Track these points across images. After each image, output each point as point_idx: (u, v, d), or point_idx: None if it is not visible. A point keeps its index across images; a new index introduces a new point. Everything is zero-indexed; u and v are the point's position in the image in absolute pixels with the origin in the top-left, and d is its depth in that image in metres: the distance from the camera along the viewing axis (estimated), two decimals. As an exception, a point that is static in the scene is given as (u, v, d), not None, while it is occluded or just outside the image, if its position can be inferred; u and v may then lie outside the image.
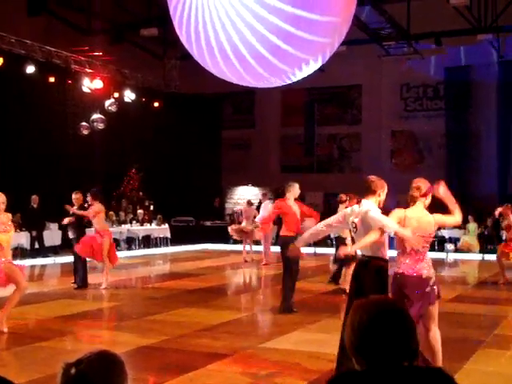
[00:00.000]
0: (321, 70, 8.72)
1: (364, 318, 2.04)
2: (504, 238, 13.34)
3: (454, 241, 19.05)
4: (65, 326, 9.07)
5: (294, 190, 10.24)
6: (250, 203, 19.37)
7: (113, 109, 20.10)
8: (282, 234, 9.96)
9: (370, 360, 2.02)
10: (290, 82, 8.31)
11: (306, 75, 8.13)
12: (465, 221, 15.71)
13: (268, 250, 17.22)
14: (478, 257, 18.94)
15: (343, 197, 12.21)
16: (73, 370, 2.00)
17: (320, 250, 21.32)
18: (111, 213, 20.48)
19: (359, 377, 2.02)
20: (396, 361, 2.01)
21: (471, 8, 19.17)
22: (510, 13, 19.29)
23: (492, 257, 18.54)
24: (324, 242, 22.69)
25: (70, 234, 12.94)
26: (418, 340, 2.06)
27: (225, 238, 23.09)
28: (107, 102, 20.05)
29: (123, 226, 20.51)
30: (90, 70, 19.89)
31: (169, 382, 6.19)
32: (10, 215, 8.65)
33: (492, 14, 19.37)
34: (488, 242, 20.37)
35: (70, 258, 17.58)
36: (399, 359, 2.01)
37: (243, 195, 27.79)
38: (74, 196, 12.56)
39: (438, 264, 16.96)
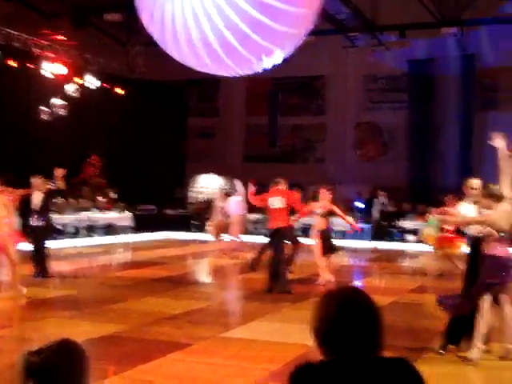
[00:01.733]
0: (286, 59, 8.69)
1: (331, 308, 2.01)
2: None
3: (415, 232, 19.20)
4: (22, 314, 8.92)
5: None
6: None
7: (75, 94, 19.78)
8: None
9: (336, 351, 2.00)
10: (255, 71, 8.29)
11: (271, 65, 8.10)
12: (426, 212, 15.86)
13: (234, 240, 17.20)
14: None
15: (324, 190, 12.19)
16: (34, 359, 1.99)
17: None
18: (71, 200, 20.22)
19: (325, 367, 1.99)
20: (362, 351, 1.99)
21: (435, 1, 19.35)
22: (474, 7, 19.53)
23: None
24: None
25: None
26: (384, 331, 2.04)
27: (187, 227, 23.01)
28: (69, 88, 19.73)
29: (84, 213, 20.25)
30: (52, 55, 19.51)
31: (129, 371, 6.12)
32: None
33: (456, 7, 19.56)
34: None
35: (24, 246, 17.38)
36: (365, 349, 1.99)
37: (206, 184, 27.69)
38: None
39: (398, 255, 17.20)
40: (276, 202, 11.26)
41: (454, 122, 23.71)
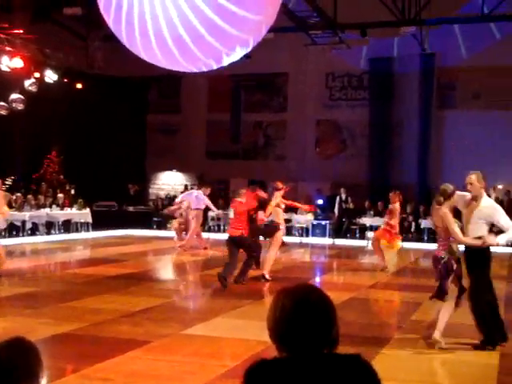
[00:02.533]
0: (247, 56, 8.68)
1: (286, 305, 2.02)
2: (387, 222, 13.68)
3: (375, 228, 19.39)
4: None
5: None
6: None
7: (33, 89, 19.45)
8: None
9: (291, 347, 2.01)
10: (216, 67, 8.27)
11: (233, 60, 8.08)
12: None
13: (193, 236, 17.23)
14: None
15: (280, 185, 12.28)
16: None
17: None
18: (30, 196, 19.93)
19: (279, 364, 2.00)
20: (317, 348, 2.00)
21: (396, 0, 19.53)
22: (433, 6, 19.75)
23: (411, 245, 19.13)
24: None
25: None
26: (339, 327, 2.05)
27: (148, 224, 22.88)
28: (27, 82, 19.40)
29: (42, 209, 19.97)
30: (10, 48, 19.14)
31: (86, 370, 6.06)
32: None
33: (416, 7, 19.77)
34: (407, 230, 20.92)
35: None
36: (320, 346, 2.00)
37: (167, 181, 27.57)
38: None
39: (358, 252, 17.36)
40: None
41: (413, 120, 24.02)
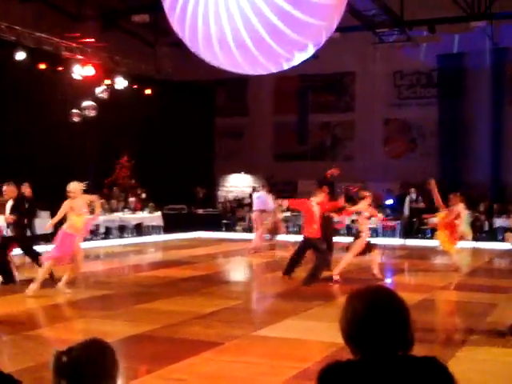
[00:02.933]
0: (314, 56, 8.67)
1: (359, 307, 2.01)
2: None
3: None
4: (55, 314, 9.03)
5: None
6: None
7: (104, 96, 19.94)
8: None
9: (364, 349, 1.99)
10: (284, 68, 8.28)
11: (303, 59, 8.08)
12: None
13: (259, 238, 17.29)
14: (470, 244, 18.93)
15: (364, 193, 12.40)
16: (64, 358, 2.01)
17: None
18: (103, 201, 20.40)
19: (353, 366, 1.99)
20: (391, 350, 1.98)
21: (464, -5, 19.12)
22: (503, 0, 19.25)
23: (485, 244, 18.66)
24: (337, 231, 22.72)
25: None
26: (414, 329, 2.03)
27: (217, 226, 23.09)
28: (98, 89, 19.89)
29: (115, 214, 20.44)
30: (81, 57, 19.72)
31: (161, 370, 6.16)
32: (86, 197, 10.70)
33: (485, 1, 19.31)
34: (480, 229, 20.43)
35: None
36: (394, 349, 1.98)
37: (236, 183, 27.77)
38: (4, 188, 11.70)
39: (429, 252, 17.02)
40: None
41: (485, 117, 23.43)
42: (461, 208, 12.93)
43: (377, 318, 1.97)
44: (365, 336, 1.98)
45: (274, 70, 8.06)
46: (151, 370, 6.25)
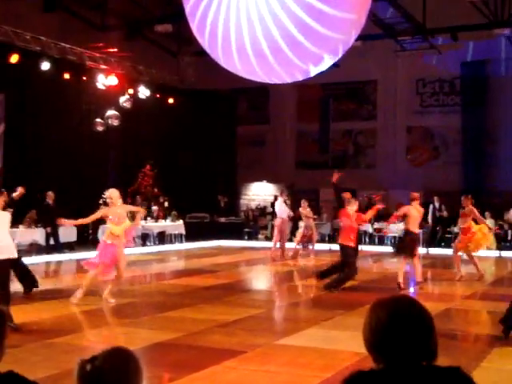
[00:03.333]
0: (336, 65, 8.67)
1: (382, 316, 2.01)
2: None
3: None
4: (80, 322, 9.09)
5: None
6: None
7: (127, 105, 20.09)
8: None
9: (388, 358, 1.99)
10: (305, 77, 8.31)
11: (320, 71, 8.10)
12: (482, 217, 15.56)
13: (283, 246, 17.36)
14: (495, 253, 18.77)
15: (415, 194, 12.47)
16: (88, 367, 2.01)
17: (335, 247, 21.27)
18: (144, 212, 20.54)
19: (376, 376, 1.99)
20: (414, 360, 1.98)
21: (488, 2, 19.00)
22: (528, 6, 19.11)
23: (510, 254, 18.48)
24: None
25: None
26: (437, 339, 2.02)
27: (239, 235, 23.12)
28: (122, 99, 20.05)
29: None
30: (105, 67, 19.91)
31: (183, 379, 6.18)
32: (127, 207, 10.78)
33: (509, 8, 19.19)
34: (504, 239, 20.25)
35: (86, 255, 17.74)
36: (418, 358, 1.98)
37: (258, 192, 27.79)
38: None
39: (453, 261, 16.84)
40: None
41: (509, 126, 23.23)
42: (470, 209, 13.16)
43: (400, 326, 1.97)
44: (388, 345, 1.98)
45: (288, 80, 8.10)
46: (173, 379, 6.28)
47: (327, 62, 7.69)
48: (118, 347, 2.11)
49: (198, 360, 6.88)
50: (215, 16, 6.90)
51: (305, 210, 17.56)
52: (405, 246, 12.23)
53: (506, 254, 18.49)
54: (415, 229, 12.16)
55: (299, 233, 17.69)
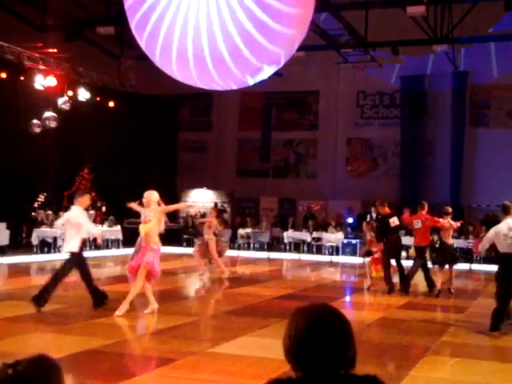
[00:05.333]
0: (279, 74, 8.70)
1: (301, 325, 1.98)
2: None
3: (406, 248, 19.17)
4: (8, 328, 8.82)
5: None
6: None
7: (66, 107, 19.72)
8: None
9: (306, 367, 1.97)
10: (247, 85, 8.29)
11: (258, 81, 8.10)
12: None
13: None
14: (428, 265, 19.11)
15: (449, 209, 13.34)
16: (10, 371, 1.98)
17: (273, 255, 21.36)
18: (62, 213, 20.09)
19: (294, 384, 1.96)
20: (332, 369, 1.95)
21: (428, 18, 19.42)
22: (465, 25, 19.61)
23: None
24: (278, 247, 22.82)
25: None
26: (355, 348, 2.00)
27: (178, 241, 22.93)
28: (60, 100, 19.68)
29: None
30: (44, 67, 19.50)
31: (113, 387, 6.04)
32: (159, 209, 10.28)
33: (448, 25, 19.65)
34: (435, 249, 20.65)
35: (18, 259, 17.28)
36: (336, 367, 1.96)
37: (198, 198, 27.64)
38: None
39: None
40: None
41: (446, 139, 23.80)
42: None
43: (318, 335, 1.95)
44: (306, 353, 1.96)
45: (224, 88, 8.06)
46: (102, 387, 6.13)
47: (265, 73, 7.70)
48: (42, 355, 2.08)
49: (129, 368, 6.76)
50: (161, 14, 6.81)
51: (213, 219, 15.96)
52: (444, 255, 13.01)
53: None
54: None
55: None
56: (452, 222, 12.85)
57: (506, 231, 8.79)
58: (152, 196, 10.28)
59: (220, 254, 15.56)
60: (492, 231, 9.15)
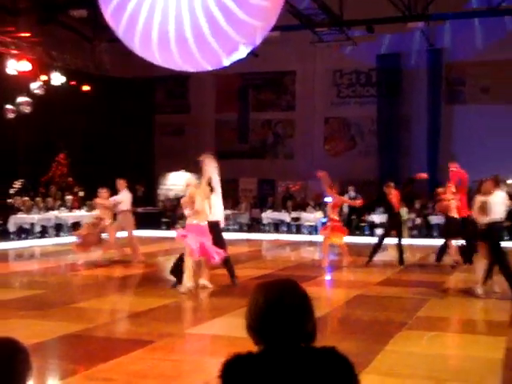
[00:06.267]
0: (255, 54, 8.67)
1: (260, 300, 2.01)
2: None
3: (384, 225, 19.29)
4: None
5: None
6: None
7: (40, 92, 19.51)
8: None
9: (266, 341, 1.99)
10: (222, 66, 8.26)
11: (236, 59, 8.07)
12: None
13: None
14: (407, 241, 19.27)
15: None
16: None
17: (252, 236, 21.41)
18: (38, 199, 19.99)
19: (254, 358, 1.99)
20: (292, 342, 1.98)
21: (402, -4, 19.44)
22: (440, 2, 19.65)
23: (420, 241, 19.09)
24: (258, 228, 22.86)
25: None
26: (315, 322, 2.03)
27: (157, 225, 22.90)
28: (34, 85, 19.45)
29: (51, 212, 20.02)
30: (17, 51, 19.23)
31: (90, 370, 6.07)
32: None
33: (423, 2, 19.68)
34: (415, 226, 20.87)
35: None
36: (295, 341, 1.98)
37: (176, 181, 27.58)
38: None
39: (367, 249, 17.22)
40: None
41: (422, 116, 23.89)
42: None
43: (276, 310, 1.98)
44: (265, 328, 1.99)
45: (207, 68, 8.03)
46: (79, 370, 6.14)
47: (243, 51, 7.67)
48: (9, 338, 2.10)
49: (106, 351, 6.77)
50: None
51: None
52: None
53: (417, 241, 19.12)
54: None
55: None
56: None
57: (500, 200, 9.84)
58: (190, 181, 11.56)
59: None
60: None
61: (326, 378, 1.94)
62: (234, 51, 7.59)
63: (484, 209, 9.58)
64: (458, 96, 24.07)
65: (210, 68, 8.18)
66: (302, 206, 23.08)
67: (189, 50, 7.27)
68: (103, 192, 14.76)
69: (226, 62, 7.97)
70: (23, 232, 19.13)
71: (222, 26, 7.06)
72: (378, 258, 14.75)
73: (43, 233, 19.53)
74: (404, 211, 18.61)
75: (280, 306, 1.98)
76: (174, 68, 8.26)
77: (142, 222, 22.34)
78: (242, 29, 7.30)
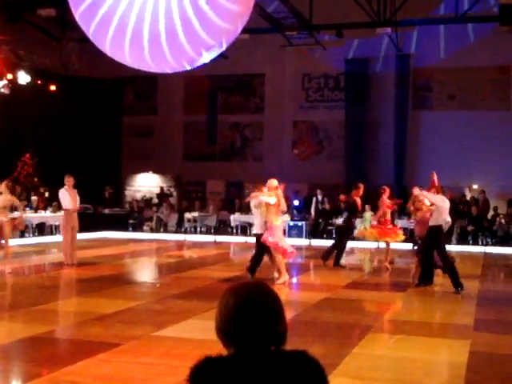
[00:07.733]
0: (224, 57, 8.67)
1: (230, 302, 2.00)
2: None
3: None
4: None
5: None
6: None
7: (6, 91, 19.24)
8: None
9: (236, 344, 1.99)
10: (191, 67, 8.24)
11: (206, 61, 8.06)
12: (362, 209, 16.14)
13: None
14: (373, 245, 19.41)
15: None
16: None
17: (220, 239, 21.38)
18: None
19: (224, 361, 1.98)
20: (262, 345, 1.97)
21: (371, 2, 19.62)
22: (408, 8, 19.89)
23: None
24: (225, 230, 22.84)
25: None
26: (286, 324, 2.02)
27: (124, 226, 22.74)
28: (0, 84, 19.18)
29: (16, 212, 19.69)
30: (-17, 50, 18.96)
31: (56, 373, 5.99)
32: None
33: (391, 8, 19.89)
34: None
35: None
36: (265, 344, 1.98)
37: (143, 183, 27.43)
38: None
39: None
40: None
41: (389, 121, 24.12)
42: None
43: (246, 313, 1.97)
44: (235, 331, 1.98)
45: (176, 69, 8.01)
46: (43, 373, 6.06)
47: (213, 53, 7.68)
48: None
49: (72, 353, 6.69)
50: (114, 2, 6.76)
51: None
52: None
53: (383, 244, 19.22)
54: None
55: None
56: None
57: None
58: (270, 183, 12.22)
59: None
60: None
61: (297, 382, 1.94)
62: (202, 54, 7.59)
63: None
64: (425, 102, 24.36)
65: (178, 70, 8.17)
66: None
67: (160, 49, 7.26)
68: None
69: (192, 66, 7.98)
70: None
71: (195, 28, 7.06)
72: (343, 261, 14.82)
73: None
74: (368, 215, 18.74)
75: (251, 309, 1.97)
76: (143, 69, 8.23)
77: (109, 223, 22.23)
78: (213, 31, 7.32)
